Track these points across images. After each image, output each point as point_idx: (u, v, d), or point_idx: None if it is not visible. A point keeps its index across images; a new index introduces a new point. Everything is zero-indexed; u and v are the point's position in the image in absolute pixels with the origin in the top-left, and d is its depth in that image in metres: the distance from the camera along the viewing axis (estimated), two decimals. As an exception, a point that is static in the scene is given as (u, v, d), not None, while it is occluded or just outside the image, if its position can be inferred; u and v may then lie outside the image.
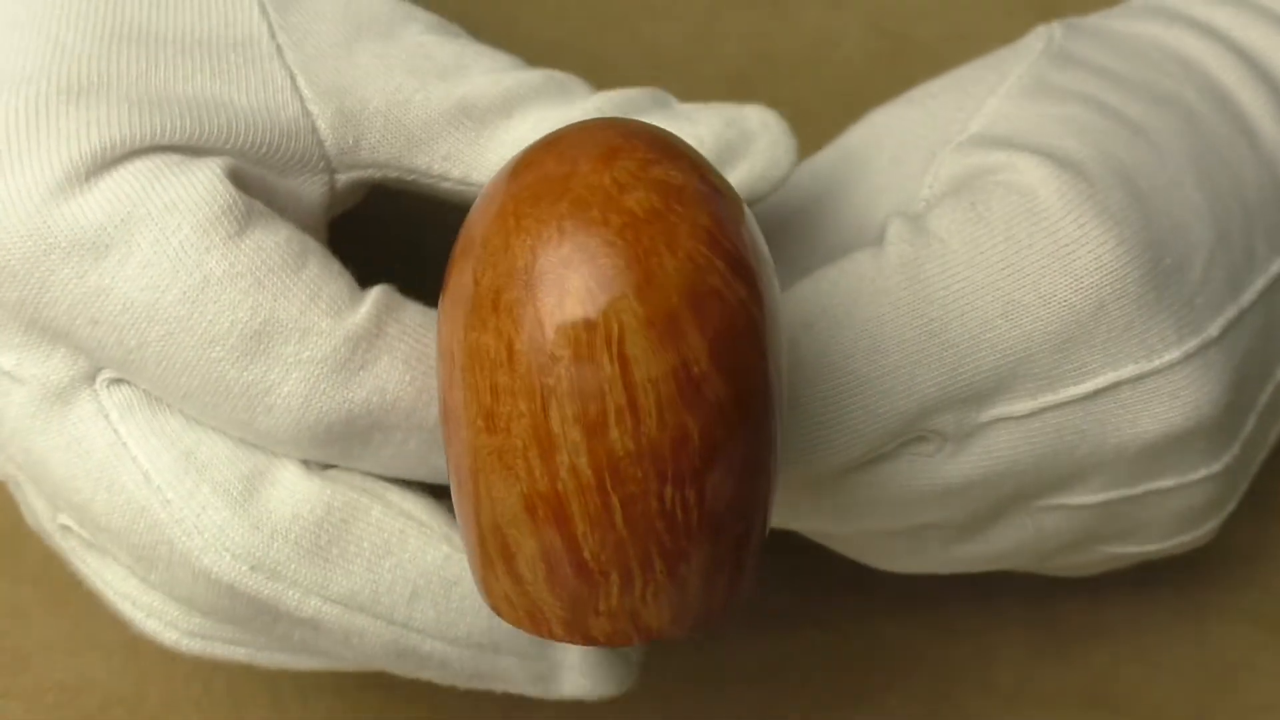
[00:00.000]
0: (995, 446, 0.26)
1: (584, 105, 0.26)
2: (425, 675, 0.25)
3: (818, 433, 0.25)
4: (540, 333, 0.20)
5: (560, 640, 0.22)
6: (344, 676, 0.32)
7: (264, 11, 0.25)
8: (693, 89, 0.37)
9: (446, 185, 0.26)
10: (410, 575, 0.24)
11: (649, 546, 0.20)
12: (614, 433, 0.20)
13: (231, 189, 0.23)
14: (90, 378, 0.23)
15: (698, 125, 0.27)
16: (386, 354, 0.23)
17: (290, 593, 0.23)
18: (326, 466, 0.24)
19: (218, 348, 0.23)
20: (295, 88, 0.25)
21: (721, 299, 0.20)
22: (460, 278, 0.21)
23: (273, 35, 0.25)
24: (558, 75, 0.27)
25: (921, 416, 0.25)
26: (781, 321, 0.22)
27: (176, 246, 0.22)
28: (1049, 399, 0.25)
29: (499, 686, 0.26)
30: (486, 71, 0.26)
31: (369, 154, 0.26)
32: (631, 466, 0.20)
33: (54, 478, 0.24)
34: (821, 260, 0.27)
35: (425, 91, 0.26)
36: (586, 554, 0.20)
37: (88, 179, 0.22)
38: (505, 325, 0.20)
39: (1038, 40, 0.30)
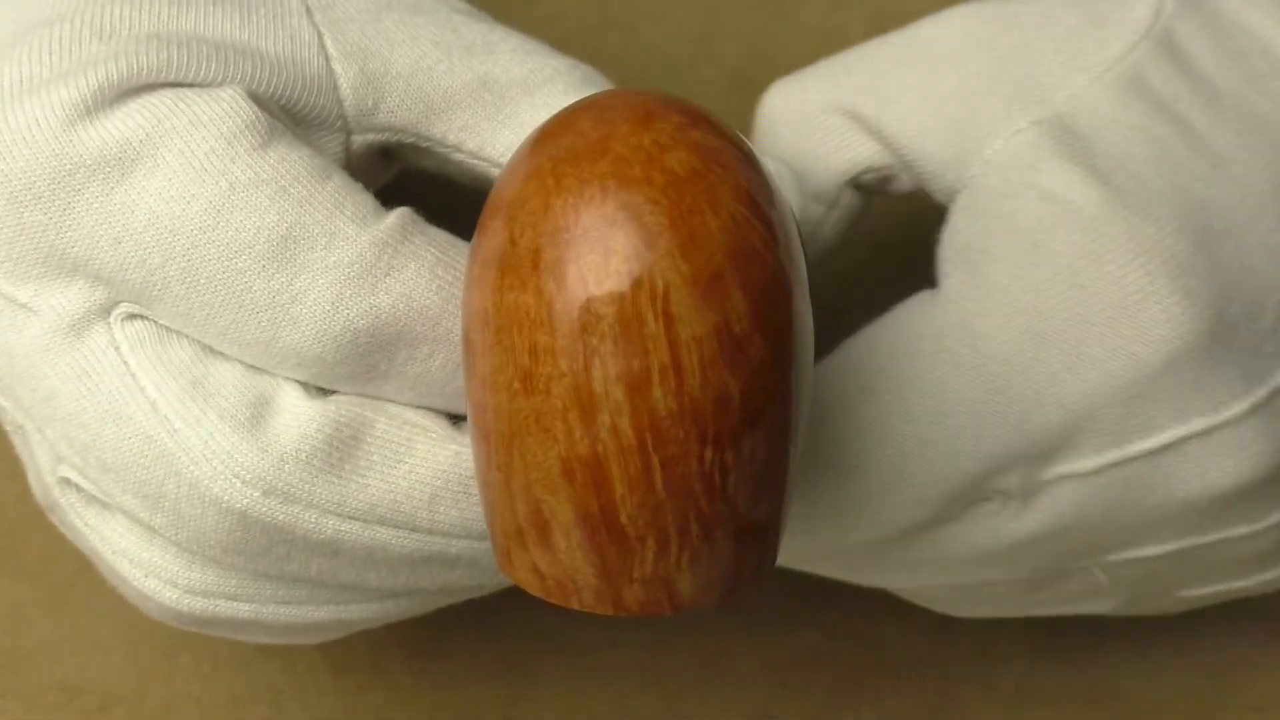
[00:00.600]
0: (1060, 504, 0.25)
1: None
2: (454, 580, 0.25)
3: (881, 498, 0.25)
4: (583, 290, 0.20)
5: (590, 610, 0.22)
6: (344, 677, 0.32)
7: None
8: (693, 89, 0.37)
9: (459, 157, 0.26)
10: (426, 478, 0.24)
11: (687, 510, 0.20)
12: (657, 392, 0.20)
13: (254, 107, 0.23)
14: (105, 311, 0.23)
15: None
16: (413, 260, 0.23)
17: (307, 515, 0.23)
18: (329, 394, 0.24)
19: (244, 257, 0.23)
20: (321, 45, 0.25)
21: (761, 260, 0.20)
22: (492, 240, 0.21)
23: None
24: (583, 66, 0.27)
25: (987, 477, 0.25)
26: (807, 290, 0.22)
27: (202, 157, 0.23)
28: (1115, 455, 0.25)
29: None
30: (512, 51, 0.26)
31: (387, 117, 0.26)
32: (673, 427, 0.20)
33: (61, 413, 0.23)
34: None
35: (449, 62, 0.26)
36: (624, 518, 0.20)
37: (112, 103, 0.23)
38: (546, 284, 0.20)
39: (1146, 10, 0.27)
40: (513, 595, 0.26)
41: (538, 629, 0.32)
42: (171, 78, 0.23)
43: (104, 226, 0.23)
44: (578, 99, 0.26)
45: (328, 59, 0.25)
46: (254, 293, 0.23)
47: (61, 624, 0.32)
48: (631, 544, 0.21)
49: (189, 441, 0.23)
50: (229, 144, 0.23)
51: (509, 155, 0.26)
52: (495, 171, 0.26)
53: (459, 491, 0.24)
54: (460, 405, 0.24)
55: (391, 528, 0.24)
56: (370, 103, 0.26)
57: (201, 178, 0.23)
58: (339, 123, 0.25)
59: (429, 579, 0.25)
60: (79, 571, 0.32)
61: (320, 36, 0.25)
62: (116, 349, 0.23)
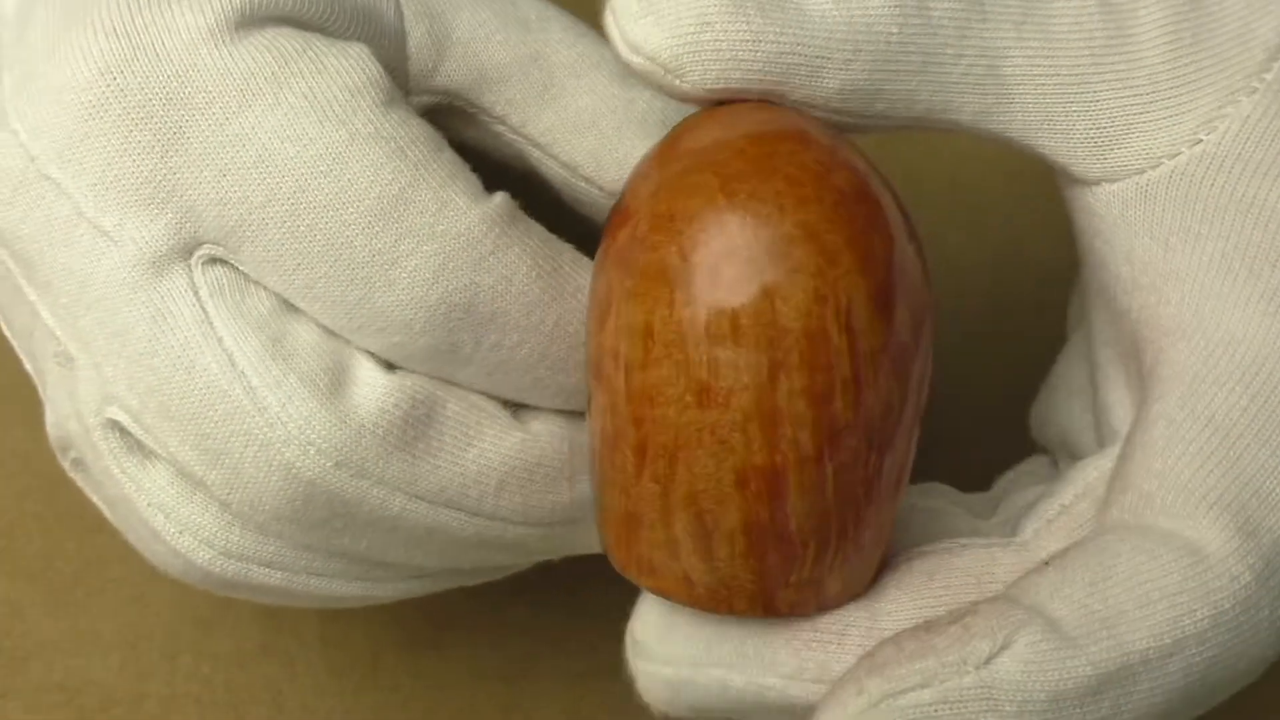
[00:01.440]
0: None
1: (649, 93, 0.26)
2: (496, 561, 0.25)
3: None
4: (770, 307, 0.20)
5: (740, 614, 0.22)
6: (343, 677, 0.32)
7: None
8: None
9: (499, 129, 0.26)
10: (495, 464, 0.24)
11: (847, 514, 0.21)
12: (838, 404, 0.20)
13: (379, 67, 0.23)
14: (187, 252, 0.23)
15: None
16: (518, 244, 0.23)
17: (375, 491, 0.23)
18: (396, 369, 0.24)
19: (351, 209, 0.22)
20: (396, 2, 0.25)
21: (914, 274, 0.21)
22: (655, 253, 0.21)
23: None
24: None
25: None
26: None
27: (325, 103, 0.22)
28: None
29: (568, 553, 0.26)
30: (564, 31, 0.26)
31: (444, 81, 0.26)
32: (849, 436, 0.20)
33: (130, 352, 0.23)
34: None
35: (505, 33, 0.26)
36: (793, 525, 0.21)
37: (237, 30, 0.23)
38: (728, 300, 0.20)
39: None
40: (512, 594, 0.26)
41: (538, 629, 0.32)
42: (287, 10, 0.23)
43: (213, 155, 0.22)
44: (622, 89, 0.26)
45: (401, 16, 0.25)
46: (354, 248, 0.22)
47: (61, 624, 0.32)
48: (796, 550, 0.21)
49: (266, 402, 0.22)
50: (354, 95, 0.23)
51: (547, 137, 0.26)
52: (532, 150, 0.26)
53: (525, 479, 0.24)
54: (526, 396, 0.24)
55: (456, 510, 0.24)
56: (431, 64, 0.26)
57: (322, 122, 0.22)
58: (401, 80, 0.25)
59: (475, 560, 0.25)
60: (79, 571, 0.33)
61: None
62: (195, 293, 0.23)
